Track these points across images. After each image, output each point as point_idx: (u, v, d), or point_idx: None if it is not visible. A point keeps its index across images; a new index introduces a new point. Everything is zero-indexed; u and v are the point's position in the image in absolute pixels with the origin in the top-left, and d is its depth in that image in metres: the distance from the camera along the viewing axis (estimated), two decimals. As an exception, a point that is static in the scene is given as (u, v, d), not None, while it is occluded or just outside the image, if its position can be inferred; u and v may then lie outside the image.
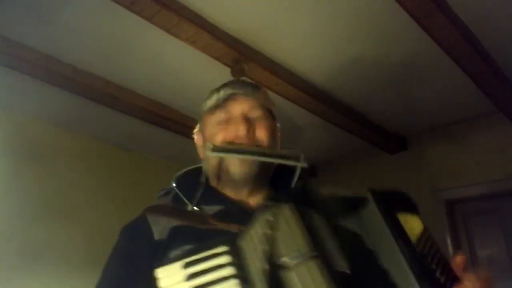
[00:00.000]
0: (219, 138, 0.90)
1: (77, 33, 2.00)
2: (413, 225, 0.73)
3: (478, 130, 2.85)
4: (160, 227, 0.79)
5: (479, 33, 2.00)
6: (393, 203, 0.75)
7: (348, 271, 0.65)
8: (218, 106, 0.93)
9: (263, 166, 0.87)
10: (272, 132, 0.93)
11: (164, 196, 0.93)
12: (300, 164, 0.86)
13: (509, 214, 2.70)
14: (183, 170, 0.96)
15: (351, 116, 2.72)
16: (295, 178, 0.88)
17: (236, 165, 0.86)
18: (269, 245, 0.66)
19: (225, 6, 1.85)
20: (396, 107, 2.73)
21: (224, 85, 0.95)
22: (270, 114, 0.96)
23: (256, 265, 0.65)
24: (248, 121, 0.90)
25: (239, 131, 0.88)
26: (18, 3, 1.80)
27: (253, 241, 0.68)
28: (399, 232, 0.70)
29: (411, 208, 0.77)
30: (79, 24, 1.94)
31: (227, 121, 0.91)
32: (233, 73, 2.12)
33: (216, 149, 0.86)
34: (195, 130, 1.08)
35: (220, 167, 0.88)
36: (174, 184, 0.91)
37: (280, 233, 0.66)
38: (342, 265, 0.65)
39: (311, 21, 1.95)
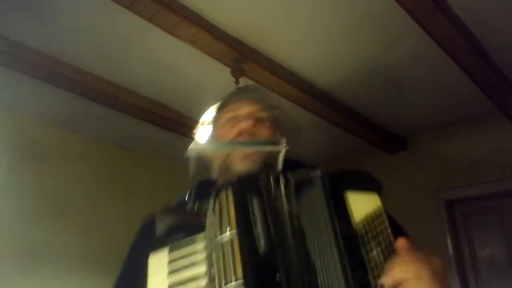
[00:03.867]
0: (227, 136, 0.96)
1: (77, 33, 2.00)
2: (364, 205, 0.75)
3: (478, 130, 2.85)
4: (161, 225, 0.85)
5: (479, 33, 2.00)
6: (345, 183, 0.79)
7: (267, 252, 0.69)
8: (225, 107, 1.01)
9: (266, 164, 0.91)
10: (274, 134, 0.99)
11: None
12: (279, 148, 0.91)
13: (509, 214, 2.70)
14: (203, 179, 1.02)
15: (351, 116, 2.72)
16: (279, 163, 0.91)
17: (239, 161, 0.91)
18: (212, 228, 0.74)
19: (225, 6, 1.86)
20: (396, 107, 2.74)
21: (232, 91, 1.05)
22: (274, 120, 1.02)
23: (208, 245, 0.74)
24: (254, 120, 0.96)
25: (244, 125, 0.94)
26: (18, 3, 1.80)
27: (208, 225, 0.76)
28: (337, 211, 0.73)
29: (370, 187, 0.80)
30: (79, 24, 1.94)
31: (234, 119, 0.98)
32: (233, 73, 2.12)
33: (192, 149, 0.94)
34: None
35: (225, 164, 0.93)
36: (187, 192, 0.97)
37: (220, 215, 0.73)
38: (263, 246, 0.70)
39: (311, 21, 1.95)
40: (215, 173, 0.98)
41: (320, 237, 0.72)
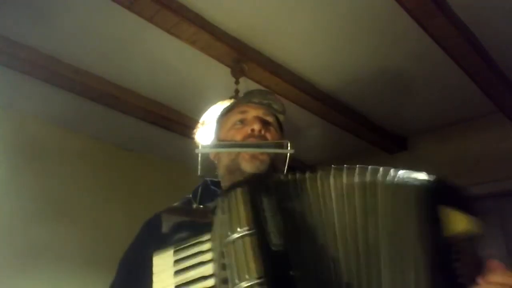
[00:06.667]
0: (236, 137, 0.98)
1: (77, 33, 2.00)
2: (455, 221, 0.78)
3: (478, 130, 2.84)
4: (168, 223, 0.88)
5: (479, 33, 2.00)
6: (447, 197, 0.83)
7: (280, 248, 0.71)
8: (234, 109, 1.03)
9: (272, 164, 0.94)
10: (279, 138, 1.02)
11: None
12: (286, 151, 0.94)
13: (509, 214, 2.70)
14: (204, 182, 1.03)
15: (351, 116, 2.72)
16: (286, 165, 0.96)
17: (246, 162, 0.93)
18: (222, 227, 0.74)
19: (225, 6, 1.86)
20: (396, 107, 2.73)
21: (243, 95, 1.08)
22: (279, 124, 1.05)
23: (217, 245, 0.74)
24: (262, 123, 0.99)
25: (255, 127, 0.97)
26: (18, 3, 1.80)
27: (216, 225, 0.76)
28: (429, 219, 0.77)
29: (465, 207, 0.82)
30: (79, 24, 1.94)
31: (242, 122, 1.00)
32: (233, 73, 2.12)
33: (203, 147, 0.97)
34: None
35: (233, 164, 0.95)
36: (191, 195, 0.98)
37: (230, 215, 0.74)
38: (277, 243, 0.71)
39: (311, 21, 1.95)
40: (221, 173, 0.99)
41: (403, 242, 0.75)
